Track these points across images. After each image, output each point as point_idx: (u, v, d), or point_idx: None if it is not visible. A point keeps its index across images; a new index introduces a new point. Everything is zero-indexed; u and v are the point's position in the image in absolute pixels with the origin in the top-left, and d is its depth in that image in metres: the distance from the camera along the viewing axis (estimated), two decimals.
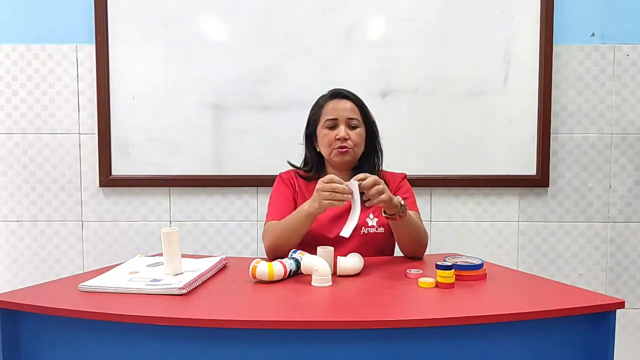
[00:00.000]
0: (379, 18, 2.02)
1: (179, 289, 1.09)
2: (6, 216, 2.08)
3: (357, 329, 0.97)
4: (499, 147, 2.05)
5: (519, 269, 2.00)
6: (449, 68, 2.02)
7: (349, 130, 1.52)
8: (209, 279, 1.24)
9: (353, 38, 2.02)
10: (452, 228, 2.10)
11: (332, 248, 1.31)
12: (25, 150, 2.06)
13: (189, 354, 0.99)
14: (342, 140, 1.51)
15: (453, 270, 1.17)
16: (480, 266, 1.24)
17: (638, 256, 2.11)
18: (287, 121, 2.01)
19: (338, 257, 1.28)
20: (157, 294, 1.09)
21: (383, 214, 1.39)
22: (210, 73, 2.02)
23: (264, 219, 1.56)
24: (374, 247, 1.52)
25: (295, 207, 1.48)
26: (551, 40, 2.01)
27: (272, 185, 1.63)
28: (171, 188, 2.07)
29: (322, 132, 1.55)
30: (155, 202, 2.08)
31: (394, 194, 1.38)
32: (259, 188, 2.07)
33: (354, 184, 1.29)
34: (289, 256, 1.29)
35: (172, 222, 2.08)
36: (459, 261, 1.26)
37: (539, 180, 2.05)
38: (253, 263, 1.21)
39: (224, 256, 1.40)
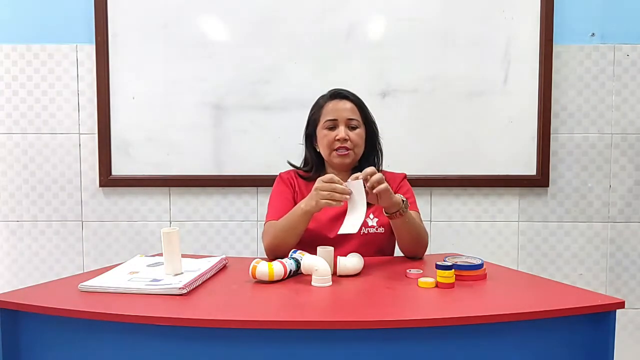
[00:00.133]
0: (379, 18, 2.02)
1: (179, 289, 1.09)
2: (6, 216, 2.08)
3: (357, 329, 0.97)
4: (499, 147, 2.05)
5: (519, 269, 2.00)
6: (449, 68, 2.02)
7: (348, 131, 1.52)
8: (209, 279, 1.24)
9: (353, 38, 2.02)
10: (452, 228, 2.10)
11: (332, 248, 1.31)
12: (25, 150, 2.06)
13: (189, 354, 0.99)
14: (342, 141, 1.51)
15: (453, 270, 1.17)
16: (480, 266, 1.24)
17: (638, 256, 2.11)
18: (287, 121, 2.01)
19: (338, 257, 1.28)
20: (157, 294, 1.09)
21: (384, 213, 1.39)
22: (210, 73, 2.02)
23: (264, 219, 1.56)
24: (374, 247, 1.52)
25: None
26: (551, 40, 2.01)
27: (272, 185, 1.63)
28: (171, 188, 2.07)
29: (321, 132, 1.55)
30: (155, 202, 2.08)
31: None
32: (259, 188, 2.07)
33: (358, 183, 1.29)
34: (289, 256, 1.29)
35: (172, 222, 2.08)
36: (459, 261, 1.26)
37: (539, 180, 2.05)
38: (253, 263, 1.21)
39: (224, 256, 1.40)
